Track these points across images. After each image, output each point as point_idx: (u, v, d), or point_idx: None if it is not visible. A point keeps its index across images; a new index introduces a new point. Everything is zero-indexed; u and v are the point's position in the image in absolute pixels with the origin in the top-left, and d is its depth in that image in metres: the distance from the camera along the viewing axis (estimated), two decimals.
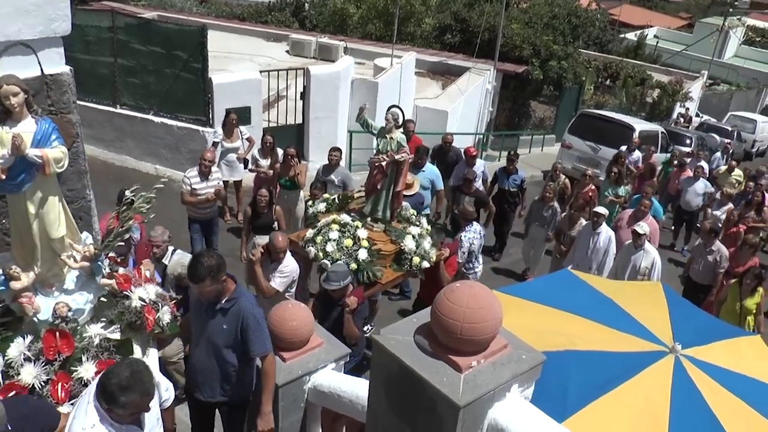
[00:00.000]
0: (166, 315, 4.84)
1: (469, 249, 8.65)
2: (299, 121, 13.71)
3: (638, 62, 31.74)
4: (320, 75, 13.57)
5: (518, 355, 3.35)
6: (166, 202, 10.22)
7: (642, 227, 8.83)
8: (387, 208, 7.47)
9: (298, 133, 13.73)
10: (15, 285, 4.32)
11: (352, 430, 4.93)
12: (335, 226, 7.23)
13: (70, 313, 4.45)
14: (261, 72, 13.28)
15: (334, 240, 7.10)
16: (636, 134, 15.79)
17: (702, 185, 13.46)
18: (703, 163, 14.59)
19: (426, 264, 7.37)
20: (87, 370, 4.29)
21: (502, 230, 11.86)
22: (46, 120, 4.26)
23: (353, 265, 6.86)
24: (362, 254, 7.00)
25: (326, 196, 8.13)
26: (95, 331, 4.51)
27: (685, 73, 32.03)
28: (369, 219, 7.46)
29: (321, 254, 7.03)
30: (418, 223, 7.68)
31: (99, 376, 3.47)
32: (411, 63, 17.22)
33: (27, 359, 4.22)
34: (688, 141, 19.77)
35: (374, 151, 7.39)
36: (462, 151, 11.78)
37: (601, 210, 9.37)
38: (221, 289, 4.54)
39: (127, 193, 4.68)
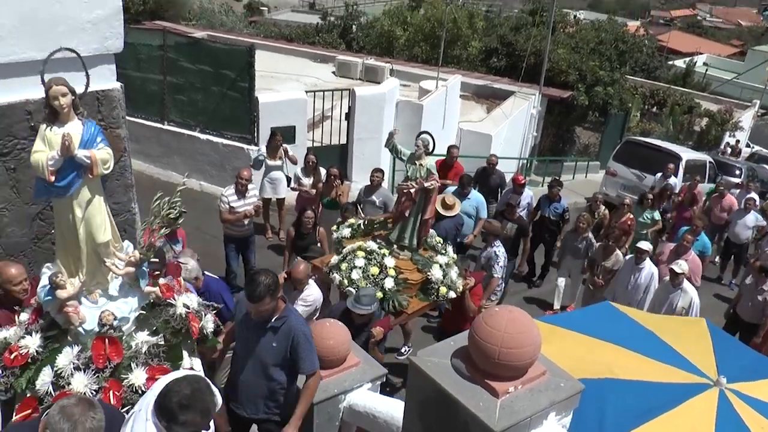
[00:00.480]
0: (209, 323, 4.81)
1: (482, 264, 8.58)
2: (343, 141, 13.81)
3: (686, 90, 31.26)
4: (365, 96, 13.67)
5: (556, 382, 3.30)
6: (205, 218, 10.39)
7: (680, 266, 8.39)
8: (414, 235, 7.30)
9: (341, 154, 13.84)
10: (61, 294, 4.23)
11: None
12: (361, 253, 7.06)
13: (115, 322, 4.40)
14: (307, 92, 13.43)
15: (360, 267, 6.92)
16: (682, 163, 15.52)
17: (753, 218, 12.98)
18: (754, 195, 13.97)
19: (452, 294, 7.19)
20: (138, 377, 4.25)
21: (544, 260, 11.58)
22: (91, 122, 4.24)
23: (379, 294, 6.68)
24: (389, 283, 6.83)
25: (352, 221, 7.86)
26: (143, 338, 4.46)
27: (735, 101, 31.40)
28: (395, 246, 7.29)
29: (346, 281, 6.83)
30: (444, 252, 7.50)
31: (158, 392, 3.39)
32: (456, 86, 17.24)
33: (77, 368, 4.18)
34: (737, 171, 19.25)
35: (404, 178, 7.26)
36: (504, 174, 11.68)
37: (645, 246, 8.96)
38: (275, 307, 4.55)
39: (153, 203, 4.65)
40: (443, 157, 11.52)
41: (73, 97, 4.10)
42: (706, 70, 41.42)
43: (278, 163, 10.74)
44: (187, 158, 13.05)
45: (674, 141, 22.24)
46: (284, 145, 10.79)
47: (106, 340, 4.27)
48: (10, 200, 5.07)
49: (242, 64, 12.10)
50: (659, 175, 14.35)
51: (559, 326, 4.97)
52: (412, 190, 7.08)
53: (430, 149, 7.24)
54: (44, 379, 4.17)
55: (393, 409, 4.54)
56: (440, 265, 7.18)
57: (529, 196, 11.41)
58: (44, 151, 3.99)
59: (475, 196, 10.22)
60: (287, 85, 16.35)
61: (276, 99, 12.80)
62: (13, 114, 4.90)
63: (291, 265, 8.31)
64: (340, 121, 13.75)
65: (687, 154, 16.93)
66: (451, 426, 3.24)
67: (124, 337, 4.41)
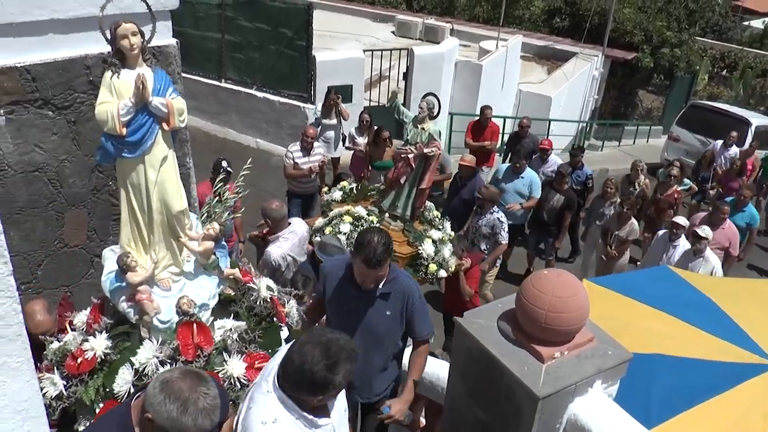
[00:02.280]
0: (293, 310, 4.35)
1: (483, 233, 8.06)
2: (401, 101, 13.69)
3: (762, 51, 29.85)
4: (424, 56, 13.54)
5: (604, 349, 3.24)
6: (262, 175, 10.50)
7: (704, 230, 7.65)
8: (408, 205, 6.75)
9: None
10: (133, 278, 3.66)
11: (431, 412, 4.93)
12: (348, 218, 6.58)
13: (195, 309, 3.82)
14: (365, 51, 13.36)
15: (345, 234, 6.46)
16: (751, 129, 14.92)
17: None
18: None
19: (443, 273, 6.66)
20: (235, 366, 3.77)
21: (570, 233, 10.44)
22: (161, 70, 3.78)
23: None
24: None
25: (344, 184, 7.33)
26: (231, 324, 3.93)
27: None
28: (387, 215, 6.80)
29: None
30: (441, 227, 6.94)
31: (286, 367, 2.82)
32: (517, 46, 16.89)
33: (162, 362, 3.68)
34: None
35: (404, 141, 6.82)
36: (540, 139, 11.00)
37: (681, 221, 8.10)
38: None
39: (224, 164, 4.47)
40: (477, 118, 11.30)
41: (143, 40, 3.65)
42: None
43: (333, 122, 10.74)
44: (244, 116, 13.19)
45: (744, 106, 21.40)
46: (337, 101, 10.69)
47: (194, 327, 3.79)
48: (71, 152, 5.19)
49: (300, 23, 12.10)
50: (719, 142, 13.49)
51: (609, 289, 4.82)
52: (411, 156, 6.59)
53: (435, 113, 6.86)
54: (124, 378, 3.67)
55: (439, 369, 4.55)
56: (433, 241, 6.67)
57: (556, 163, 10.55)
58: (111, 102, 3.54)
59: (529, 174, 9.40)
60: (346, 44, 16.26)
61: (333, 57, 12.79)
62: (73, 68, 4.98)
63: None
64: (398, 81, 13.65)
65: (757, 119, 16.21)
66: (494, 389, 3.23)
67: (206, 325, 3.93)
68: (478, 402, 3.41)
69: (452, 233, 7.10)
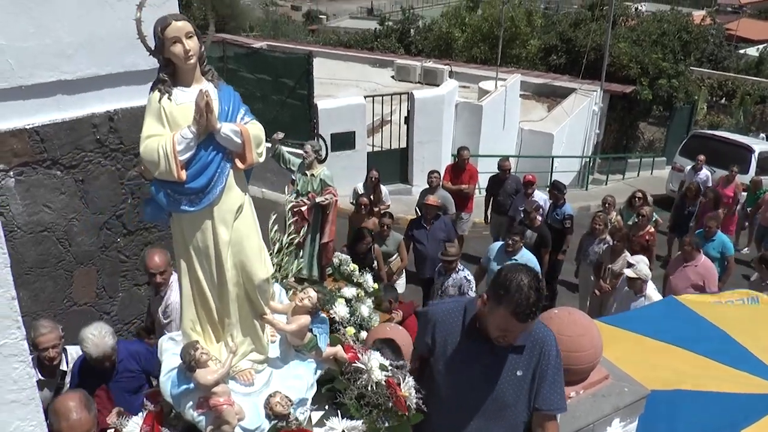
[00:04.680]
0: (411, 390, 3.14)
1: (450, 294, 7.20)
2: (403, 145, 13.82)
3: (758, 78, 30.06)
4: (424, 99, 13.67)
5: (620, 387, 3.23)
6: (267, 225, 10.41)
7: (637, 270, 6.92)
8: (314, 265, 5.73)
9: (401, 158, 13.86)
10: (205, 376, 2.70)
11: None
12: None
13: (291, 409, 2.87)
14: (366, 97, 13.51)
15: None
16: (755, 156, 14.95)
17: None
18: None
19: (365, 334, 5.22)
20: None
21: (548, 275, 9.14)
22: (228, 86, 2.84)
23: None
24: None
25: None
26: (344, 426, 2.89)
27: None
28: (291, 278, 5.37)
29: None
30: (360, 281, 5.89)
31: None
32: (516, 85, 17.08)
33: None
34: None
35: (294, 193, 5.82)
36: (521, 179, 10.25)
37: (641, 272, 6.97)
38: None
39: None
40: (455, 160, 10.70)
41: (201, 46, 2.70)
42: None
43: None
44: None
45: (746, 133, 21.49)
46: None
47: None
48: (79, 210, 5.24)
49: (301, 72, 12.27)
50: (688, 167, 13.07)
51: (621, 328, 4.78)
52: (304, 208, 5.59)
53: (323, 156, 5.82)
54: None
55: None
56: (347, 300, 5.44)
57: (542, 198, 9.88)
58: (163, 134, 2.59)
59: (525, 257, 7.85)
60: (347, 91, 16.46)
61: (335, 105, 12.92)
62: (81, 128, 5.07)
63: None
64: (400, 125, 13.78)
65: (760, 146, 16.27)
66: None
67: (303, 425, 2.94)
68: None
69: (375, 284, 6.02)
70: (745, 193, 13.19)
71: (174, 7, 5.03)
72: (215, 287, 2.79)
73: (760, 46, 40.03)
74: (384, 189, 9.80)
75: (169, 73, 2.65)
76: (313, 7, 52.76)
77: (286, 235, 3.82)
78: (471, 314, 3.04)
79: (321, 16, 49.75)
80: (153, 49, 2.65)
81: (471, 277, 7.45)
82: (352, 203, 9.96)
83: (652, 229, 9.19)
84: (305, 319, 2.95)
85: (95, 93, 5.04)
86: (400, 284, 8.47)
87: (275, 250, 3.69)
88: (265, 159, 2.86)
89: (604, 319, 4.98)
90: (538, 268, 7.88)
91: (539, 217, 8.96)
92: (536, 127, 16.84)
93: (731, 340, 4.63)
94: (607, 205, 9.71)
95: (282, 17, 41.71)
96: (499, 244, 8.18)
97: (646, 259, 7.26)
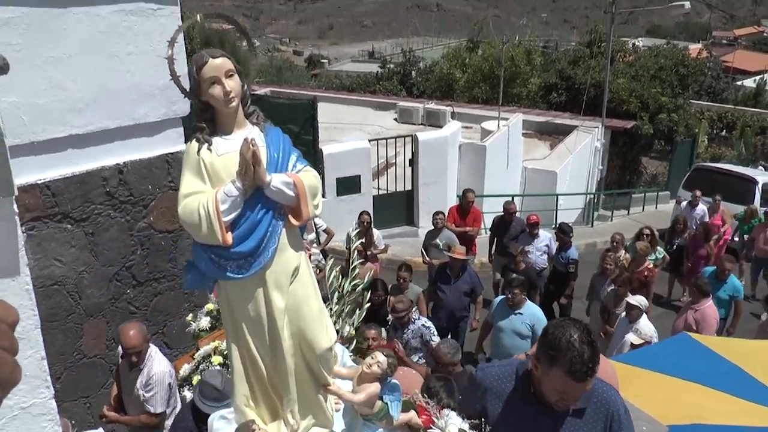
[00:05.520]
0: None
1: (413, 346, 6.70)
2: (408, 187, 13.89)
3: (757, 110, 30.27)
4: (428, 141, 13.76)
5: (638, 425, 3.19)
6: None
7: (636, 299, 7.02)
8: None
9: (407, 200, 13.92)
10: None
11: None
12: (217, 359, 4.30)
13: None
14: (370, 141, 13.61)
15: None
16: (758, 187, 14.96)
17: None
18: None
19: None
20: None
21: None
22: (274, 128, 2.57)
23: None
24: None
25: (209, 306, 4.68)
26: None
27: None
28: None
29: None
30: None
31: None
32: (518, 124, 17.22)
33: None
34: None
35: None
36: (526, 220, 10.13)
37: (637, 301, 7.04)
38: None
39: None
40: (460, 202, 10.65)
41: (243, 84, 2.40)
42: None
43: (311, 237, 9.41)
44: None
45: (748, 165, 21.55)
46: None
47: None
48: (89, 263, 5.27)
49: (305, 117, 12.42)
50: (684, 203, 13.04)
51: (636, 366, 4.79)
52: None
53: None
54: None
55: None
56: None
57: (548, 238, 9.86)
58: (204, 191, 2.30)
59: (530, 310, 7.33)
60: (351, 134, 16.60)
61: (340, 150, 13.00)
62: (91, 181, 5.13)
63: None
64: (404, 167, 13.86)
65: (763, 177, 16.30)
66: None
67: None
68: None
69: (353, 330, 5.33)
70: (736, 222, 13.11)
71: (177, 19, 5.09)
72: (270, 359, 2.47)
73: (757, 77, 40.46)
74: (377, 233, 9.70)
75: (208, 119, 2.36)
76: (315, 52, 53.52)
77: (348, 281, 3.45)
78: (524, 378, 2.82)
79: (323, 61, 50.45)
80: (188, 90, 2.37)
81: (429, 324, 6.90)
82: (347, 249, 9.39)
83: (651, 265, 9.06)
84: (374, 387, 2.59)
85: (105, 146, 5.12)
86: None
87: (334, 299, 3.40)
88: None
89: (618, 357, 4.98)
90: (545, 322, 7.12)
91: (529, 258, 9.03)
92: (540, 165, 16.93)
93: (746, 375, 4.64)
94: (615, 243, 9.53)
95: (285, 62, 42.23)
96: (500, 298, 7.72)
97: (643, 299, 7.30)
